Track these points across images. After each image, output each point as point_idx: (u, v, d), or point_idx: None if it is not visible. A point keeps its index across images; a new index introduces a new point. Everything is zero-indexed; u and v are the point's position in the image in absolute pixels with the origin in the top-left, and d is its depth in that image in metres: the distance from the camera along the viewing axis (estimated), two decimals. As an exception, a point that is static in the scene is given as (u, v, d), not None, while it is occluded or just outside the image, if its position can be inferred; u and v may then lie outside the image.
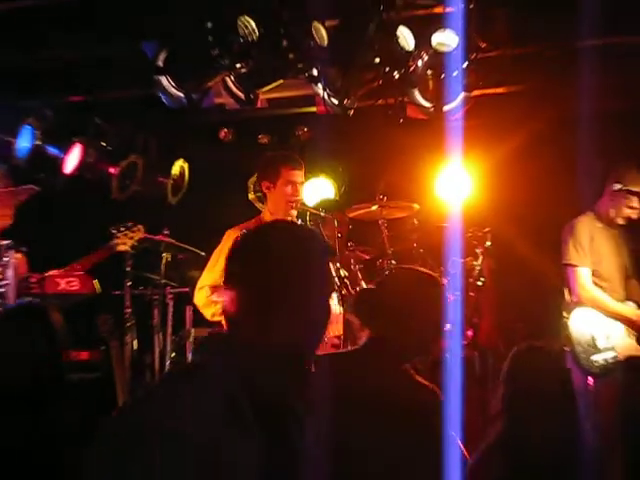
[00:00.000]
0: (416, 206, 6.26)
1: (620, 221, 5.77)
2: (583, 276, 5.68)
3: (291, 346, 2.05)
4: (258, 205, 5.89)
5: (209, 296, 5.26)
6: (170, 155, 6.86)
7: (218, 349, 2.06)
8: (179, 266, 6.41)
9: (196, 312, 5.67)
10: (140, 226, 6.01)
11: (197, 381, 1.96)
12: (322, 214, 5.68)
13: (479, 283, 6.12)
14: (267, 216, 5.37)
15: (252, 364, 2.00)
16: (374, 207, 6.20)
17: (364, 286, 5.91)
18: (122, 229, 5.93)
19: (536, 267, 6.33)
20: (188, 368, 2.25)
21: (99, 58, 5.92)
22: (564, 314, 5.70)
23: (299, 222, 5.53)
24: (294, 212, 5.37)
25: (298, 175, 5.34)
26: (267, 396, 1.99)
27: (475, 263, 6.14)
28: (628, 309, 5.69)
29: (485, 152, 6.30)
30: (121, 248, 5.93)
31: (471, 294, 6.11)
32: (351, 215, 6.31)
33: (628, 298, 5.76)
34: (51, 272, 5.45)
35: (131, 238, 5.93)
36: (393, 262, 6.07)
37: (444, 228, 6.12)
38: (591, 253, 5.70)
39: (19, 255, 5.37)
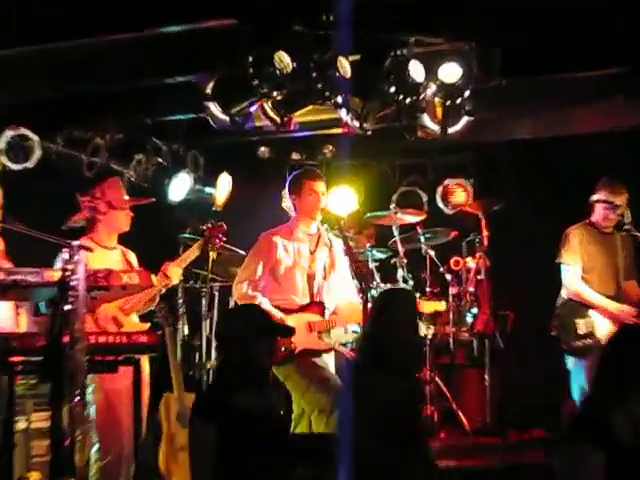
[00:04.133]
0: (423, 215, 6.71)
1: (607, 229, 6.02)
2: (572, 273, 5.98)
3: None
4: (290, 212, 5.87)
5: (246, 290, 5.36)
6: (216, 170, 6.98)
7: None
8: (223, 263, 6.55)
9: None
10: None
11: None
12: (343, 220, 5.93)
13: (479, 277, 6.37)
14: (296, 222, 5.58)
15: None
16: (388, 213, 6.59)
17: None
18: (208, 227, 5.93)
19: (529, 265, 6.53)
20: None
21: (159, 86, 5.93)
22: (556, 304, 5.97)
23: (324, 227, 5.67)
24: (319, 216, 5.54)
25: (319, 185, 5.53)
26: None
27: (472, 262, 6.49)
28: (610, 303, 5.92)
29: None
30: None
31: (470, 288, 6.37)
32: (369, 219, 6.71)
33: (624, 296, 5.94)
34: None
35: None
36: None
37: (449, 233, 6.57)
38: (581, 254, 5.96)
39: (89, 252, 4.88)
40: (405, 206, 6.60)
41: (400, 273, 6.22)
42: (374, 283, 6.10)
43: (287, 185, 5.65)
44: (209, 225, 5.89)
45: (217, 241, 5.87)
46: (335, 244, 5.56)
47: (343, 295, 5.47)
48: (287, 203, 6.00)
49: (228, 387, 3.75)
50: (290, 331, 4.20)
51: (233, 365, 3.75)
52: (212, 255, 6.25)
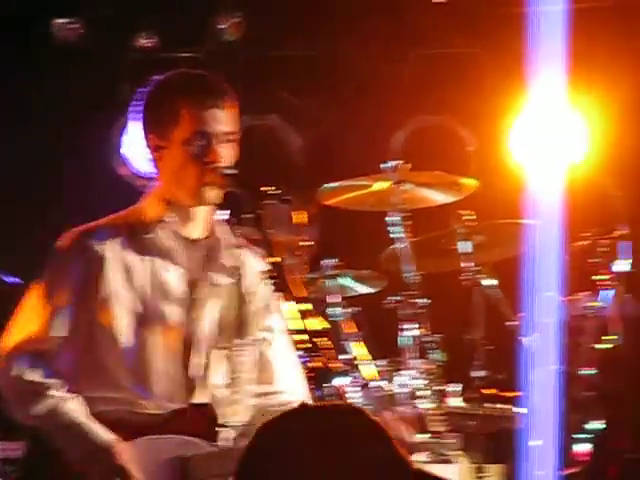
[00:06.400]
0: (471, 182, 6.11)
1: None
2: None
3: None
4: (139, 181, 6.40)
5: (17, 373, 4.34)
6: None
7: None
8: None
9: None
10: None
11: None
12: (270, 197, 4.90)
13: (603, 346, 6.24)
14: (156, 207, 4.71)
15: None
16: (383, 184, 6.14)
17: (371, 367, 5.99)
18: None
19: None
20: None
21: None
22: None
23: (223, 220, 4.72)
24: (216, 194, 4.69)
25: (219, 116, 4.54)
26: None
27: (594, 304, 6.24)
28: None
29: (610, 69, 6.75)
30: None
31: (584, 370, 6.24)
32: (329, 202, 6.32)
33: None
34: None
35: None
36: (424, 301, 5.89)
37: (528, 229, 6.21)
38: None
39: None
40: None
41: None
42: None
43: (142, 113, 4.73)
44: None
45: None
46: (250, 265, 4.62)
47: (274, 388, 4.45)
48: (137, 160, 6.64)
49: None
50: None
51: None
52: None
